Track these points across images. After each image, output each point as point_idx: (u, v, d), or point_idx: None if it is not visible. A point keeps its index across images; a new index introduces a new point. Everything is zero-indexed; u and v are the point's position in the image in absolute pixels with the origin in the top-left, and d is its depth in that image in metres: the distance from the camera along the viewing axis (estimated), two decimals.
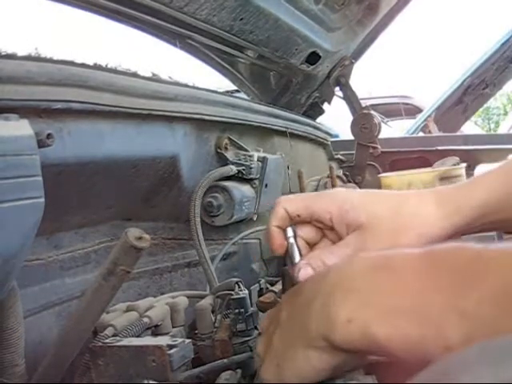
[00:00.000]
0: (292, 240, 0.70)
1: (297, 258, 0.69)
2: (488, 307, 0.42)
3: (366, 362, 0.58)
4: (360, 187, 2.03)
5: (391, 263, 0.52)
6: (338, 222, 0.68)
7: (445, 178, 1.90)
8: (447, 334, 0.43)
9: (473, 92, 3.47)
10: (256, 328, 0.96)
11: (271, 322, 0.63)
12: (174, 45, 1.83)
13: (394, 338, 0.47)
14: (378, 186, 2.23)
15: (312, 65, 2.15)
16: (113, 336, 0.83)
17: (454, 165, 2.15)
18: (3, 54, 0.80)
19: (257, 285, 1.23)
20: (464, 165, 2.11)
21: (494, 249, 0.46)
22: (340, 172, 2.27)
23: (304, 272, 0.66)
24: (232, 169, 1.41)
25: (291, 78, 2.23)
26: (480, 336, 0.41)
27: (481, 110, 5.99)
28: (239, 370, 0.87)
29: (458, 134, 3.45)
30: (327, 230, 0.71)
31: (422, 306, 0.46)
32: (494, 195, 0.67)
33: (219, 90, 1.68)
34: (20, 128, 0.72)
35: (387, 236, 0.66)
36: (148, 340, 0.84)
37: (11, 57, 0.81)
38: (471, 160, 2.21)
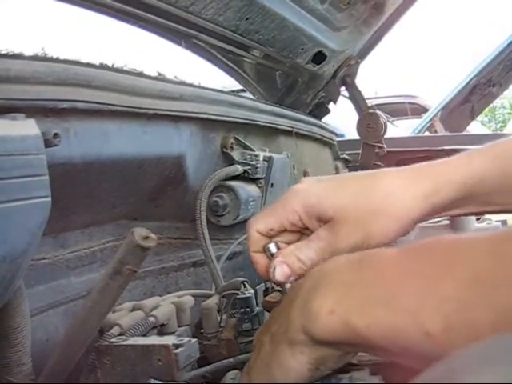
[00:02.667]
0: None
1: None
2: (466, 290, 0.42)
3: (349, 359, 0.58)
4: None
5: (370, 258, 0.53)
6: (307, 220, 0.66)
7: None
8: (426, 320, 0.43)
9: (479, 91, 3.46)
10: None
11: (261, 332, 0.63)
12: (180, 44, 1.83)
13: (373, 328, 0.47)
14: None
15: (318, 64, 2.15)
16: (119, 335, 0.83)
17: None
18: (10, 53, 0.80)
19: (262, 284, 1.23)
20: None
21: (467, 237, 0.47)
22: (346, 172, 2.26)
23: (280, 270, 0.66)
24: (238, 168, 1.41)
25: (297, 77, 2.23)
26: (460, 320, 0.42)
27: (487, 109, 5.97)
28: None
29: (464, 133, 3.44)
30: (304, 229, 0.69)
31: (401, 295, 0.46)
32: (482, 173, 0.65)
33: (225, 90, 1.68)
34: (27, 127, 0.72)
35: (359, 225, 0.64)
36: (154, 339, 0.84)
37: (18, 57, 0.81)
38: None
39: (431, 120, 3.64)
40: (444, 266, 0.45)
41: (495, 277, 0.41)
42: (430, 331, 0.43)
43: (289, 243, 0.69)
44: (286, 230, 0.69)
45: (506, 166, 0.65)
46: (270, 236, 0.68)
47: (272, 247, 0.68)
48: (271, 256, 0.68)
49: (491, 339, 0.32)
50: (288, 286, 0.66)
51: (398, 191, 0.64)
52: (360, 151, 2.46)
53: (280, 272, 0.65)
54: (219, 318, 0.98)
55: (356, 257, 0.54)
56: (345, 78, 2.36)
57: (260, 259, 0.68)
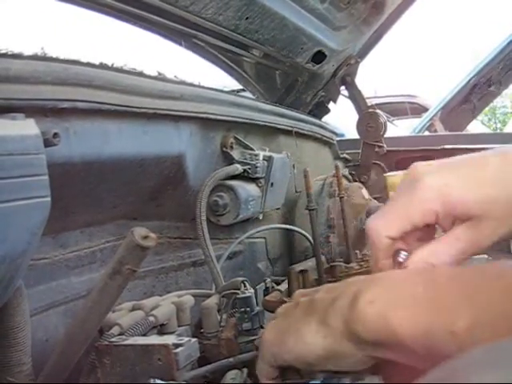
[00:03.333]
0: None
1: None
2: (495, 299, 0.44)
3: (359, 368, 0.57)
4: (366, 186, 2.02)
5: (419, 268, 0.56)
6: (444, 218, 0.58)
7: None
8: (454, 318, 0.44)
9: (479, 91, 3.46)
10: (262, 327, 0.97)
11: (308, 293, 0.62)
12: (180, 44, 1.83)
13: (405, 322, 0.48)
14: (384, 185, 2.23)
15: (318, 64, 2.15)
16: (119, 335, 0.83)
17: None
18: (10, 53, 0.80)
19: (262, 284, 1.23)
20: None
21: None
22: (346, 171, 2.26)
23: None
24: (238, 168, 1.41)
25: (297, 77, 2.23)
26: (487, 320, 0.43)
27: (487, 108, 5.98)
28: (245, 369, 0.87)
29: (464, 132, 3.44)
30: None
31: (438, 295, 0.47)
32: None
33: (225, 90, 1.68)
34: (26, 127, 0.72)
35: (505, 219, 0.57)
36: (154, 339, 0.84)
37: (17, 56, 0.81)
38: None
39: (431, 119, 3.64)
40: (485, 279, 0.47)
41: None
42: (458, 330, 0.44)
43: (418, 241, 0.62)
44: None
45: None
46: (400, 239, 0.60)
47: (403, 255, 0.60)
48: (399, 264, 0.60)
49: (495, 343, 0.32)
50: None
51: None
52: (360, 150, 2.46)
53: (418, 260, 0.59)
54: (219, 317, 0.98)
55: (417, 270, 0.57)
56: (345, 77, 2.36)
57: (388, 268, 0.61)
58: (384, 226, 0.59)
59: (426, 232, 0.61)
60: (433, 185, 0.57)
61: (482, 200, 0.56)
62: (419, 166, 0.60)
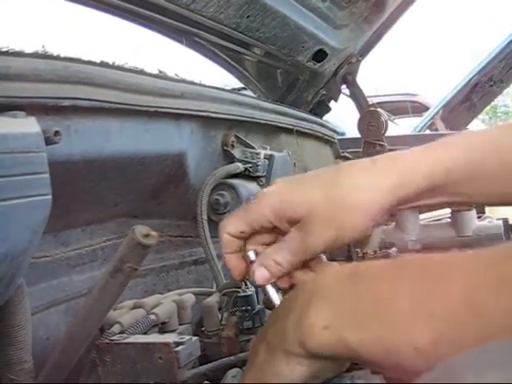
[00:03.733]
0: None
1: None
2: (455, 308, 0.43)
3: (346, 367, 0.59)
4: None
5: (362, 273, 0.53)
6: (278, 222, 0.65)
7: None
8: (416, 335, 0.44)
9: (480, 89, 3.46)
10: (262, 325, 0.96)
11: (256, 342, 0.63)
12: (181, 42, 1.83)
13: (365, 343, 0.48)
14: None
15: (319, 62, 2.15)
16: (120, 333, 0.83)
17: None
18: (10, 51, 0.80)
19: None
20: None
21: (459, 255, 0.47)
22: None
23: (259, 273, 0.66)
24: (239, 166, 1.41)
25: (298, 75, 2.22)
26: (448, 337, 0.42)
27: (488, 107, 5.97)
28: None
29: (465, 131, 3.44)
30: (279, 229, 0.69)
31: (392, 310, 0.47)
32: (448, 162, 0.65)
33: (226, 88, 1.67)
34: (27, 125, 0.72)
35: (330, 221, 0.63)
36: (155, 337, 0.84)
37: (18, 54, 0.81)
38: None
39: (432, 118, 3.64)
40: (436, 282, 0.46)
41: (487, 296, 0.42)
42: (421, 346, 0.43)
43: (267, 244, 0.69)
44: (258, 232, 0.68)
45: (472, 156, 0.66)
46: (243, 238, 0.68)
47: (251, 255, 0.68)
48: (251, 263, 0.67)
49: (494, 343, 0.32)
50: (268, 287, 0.67)
51: (364, 184, 0.64)
52: (361, 149, 2.45)
53: (259, 275, 0.65)
54: (220, 316, 0.98)
55: (348, 270, 0.55)
56: (346, 75, 2.36)
57: (234, 261, 0.68)
58: (225, 223, 0.67)
59: (275, 236, 0.69)
60: (265, 193, 0.66)
61: (306, 205, 0.63)
62: (274, 181, 0.69)
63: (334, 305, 0.52)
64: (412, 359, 0.44)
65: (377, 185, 0.64)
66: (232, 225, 0.67)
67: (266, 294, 0.67)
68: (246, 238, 0.68)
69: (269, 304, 0.68)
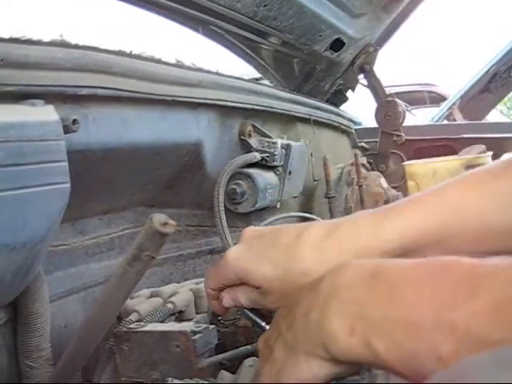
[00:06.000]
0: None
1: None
2: (478, 321, 0.42)
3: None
4: (384, 175, 2.01)
5: (386, 273, 0.52)
6: (244, 281, 0.70)
7: (471, 167, 1.88)
8: (439, 345, 0.44)
9: (499, 80, 3.43)
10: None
11: (269, 337, 0.63)
12: (198, 31, 1.83)
13: (391, 351, 0.47)
14: (403, 174, 2.21)
15: (336, 52, 2.14)
16: (137, 321, 0.84)
17: (480, 153, 2.12)
18: (29, 40, 0.80)
19: None
20: (490, 153, 2.08)
21: (488, 264, 0.46)
22: (364, 160, 2.25)
23: (225, 299, 0.72)
24: (255, 156, 1.40)
25: (315, 64, 2.21)
26: (469, 349, 0.42)
27: (506, 98, 5.91)
28: None
29: (483, 122, 3.41)
30: None
31: (416, 318, 0.46)
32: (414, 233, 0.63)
33: (243, 77, 1.67)
34: (46, 113, 0.72)
35: (283, 295, 0.66)
36: (172, 326, 0.84)
37: (37, 43, 0.81)
38: (497, 148, 2.17)
39: (450, 108, 3.61)
40: (462, 292, 0.45)
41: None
42: (444, 356, 0.43)
43: None
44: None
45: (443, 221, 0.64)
46: (222, 289, 0.74)
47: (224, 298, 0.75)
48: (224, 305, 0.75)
49: (504, 347, 0.32)
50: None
51: (314, 270, 0.65)
52: (378, 139, 2.44)
53: (226, 300, 0.72)
54: None
55: (368, 270, 0.54)
56: (363, 65, 2.35)
57: (217, 306, 0.74)
58: (207, 281, 0.75)
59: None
60: (228, 260, 0.70)
61: (261, 278, 0.68)
62: (240, 236, 0.73)
63: (356, 308, 0.51)
64: (434, 368, 0.44)
65: (327, 268, 0.61)
66: (211, 281, 0.74)
67: (250, 318, 0.75)
68: (224, 288, 0.74)
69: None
